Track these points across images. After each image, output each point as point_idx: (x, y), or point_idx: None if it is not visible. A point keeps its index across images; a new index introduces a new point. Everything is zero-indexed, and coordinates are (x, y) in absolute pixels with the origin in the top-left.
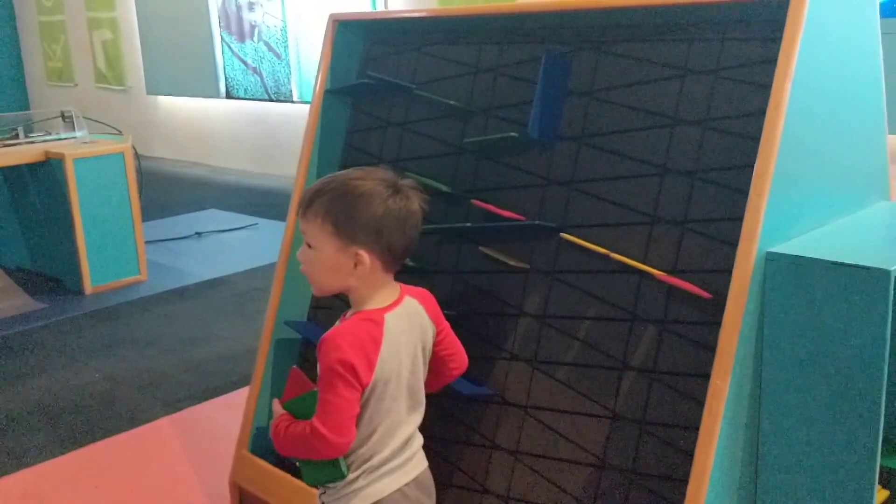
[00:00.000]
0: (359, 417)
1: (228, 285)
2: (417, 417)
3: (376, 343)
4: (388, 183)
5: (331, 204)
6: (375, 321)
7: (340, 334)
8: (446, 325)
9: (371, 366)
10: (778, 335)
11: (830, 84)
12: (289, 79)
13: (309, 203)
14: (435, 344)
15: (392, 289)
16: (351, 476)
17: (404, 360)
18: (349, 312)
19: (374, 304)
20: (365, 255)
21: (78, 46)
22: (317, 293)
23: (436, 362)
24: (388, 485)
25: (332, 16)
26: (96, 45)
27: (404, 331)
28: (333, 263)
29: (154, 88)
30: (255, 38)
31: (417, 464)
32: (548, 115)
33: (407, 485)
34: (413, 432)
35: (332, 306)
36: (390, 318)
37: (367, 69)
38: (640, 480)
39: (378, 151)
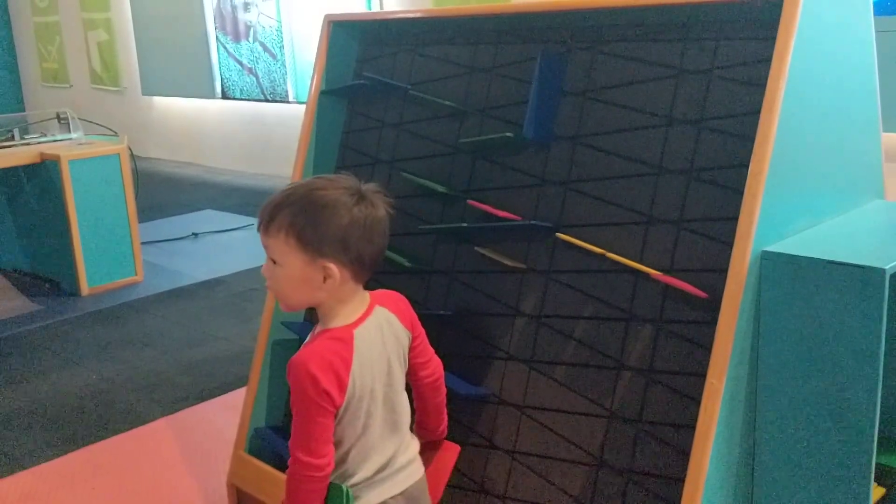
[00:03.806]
0: (334, 435)
1: (225, 286)
2: (400, 429)
3: (346, 363)
4: (352, 191)
5: (294, 217)
6: (344, 339)
7: (310, 359)
8: (422, 331)
9: (343, 387)
10: (774, 334)
11: (825, 83)
12: (284, 79)
13: (271, 217)
14: (409, 349)
15: (361, 300)
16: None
17: (377, 374)
18: (317, 328)
19: (343, 319)
20: (334, 268)
21: (73, 47)
22: (285, 309)
23: (407, 370)
24: (372, 498)
25: (327, 16)
26: (91, 45)
27: (375, 344)
28: (301, 278)
29: (149, 89)
30: (251, 39)
31: (409, 476)
32: (543, 115)
33: (393, 497)
34: (398, 445)
35: None
36: (360, 333)
37: (363, 70)
38: (638, 479)
39: (374, 152)
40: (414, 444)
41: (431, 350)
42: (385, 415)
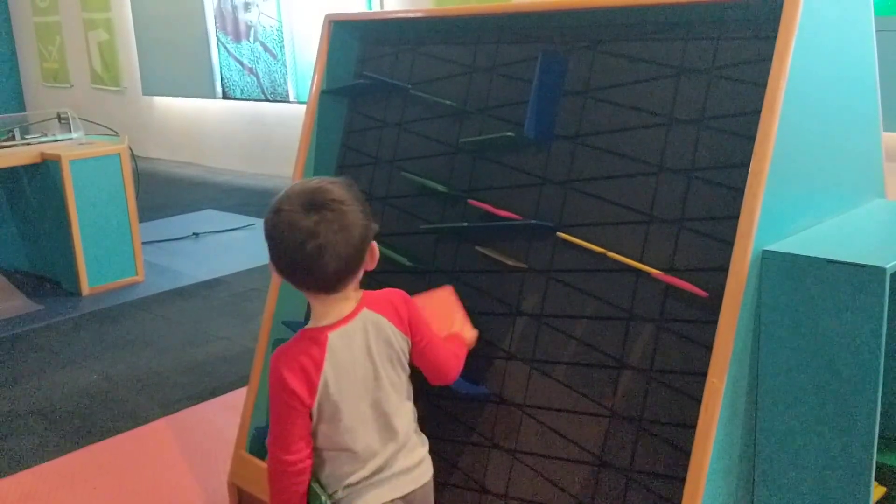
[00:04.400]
0: (317, 437)
1: (226, 286)
2: (397, 433)
3: (317, 364)
4: (297, 196)
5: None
6: (317, 341)
7: (281, 359)
8: (427, 335)
9: (313, 388)
10: (774, 333)
11: (825, 82)
12: (285, 79)
13: None
14: (410, 354)
15: (343, 304)
16: (335, 494)
17: (360, 379)
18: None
19: (322, 319)
20: (271, 269)
21: (74, 47)
22: None
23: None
24: (370, 500)
25: (327, 16)
26: (92, 45)
27: (356, 348)
28: None
29: (150, 89)
30: (251, 39)
31: (411, 480)
32: (544, 115)
33: (392, 501)
34: (396, 450)
35: None
36: (335, 338)
37: (363, 69)
38: (638, 479)
39: (374, 152)
40: (421, 449)
41: (441, 356)
42: (375, 419)
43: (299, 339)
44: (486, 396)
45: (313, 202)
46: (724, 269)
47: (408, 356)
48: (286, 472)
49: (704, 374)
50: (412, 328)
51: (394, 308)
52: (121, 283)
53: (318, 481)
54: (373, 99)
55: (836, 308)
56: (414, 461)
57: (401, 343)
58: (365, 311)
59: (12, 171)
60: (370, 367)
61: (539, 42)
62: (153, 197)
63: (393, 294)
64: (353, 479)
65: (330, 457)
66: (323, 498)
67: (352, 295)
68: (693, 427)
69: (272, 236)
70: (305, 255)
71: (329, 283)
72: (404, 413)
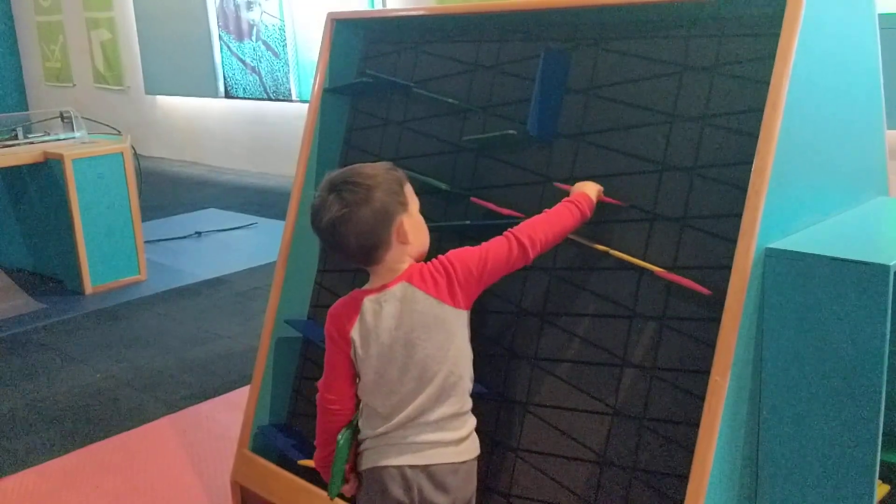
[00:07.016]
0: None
1: (228, 284)
2: (419, 402)
3: (350, 320)
4: (328, 180)
5: None
6: (355, 300)
7: (330, 308)
8: (479, 265)
9: (345, 336)
10: (778, 331)
11: (828, 79)
12: (287, 78)
13: None
14: (488, 281)
15: (387, 274)
16: (365, 441)
17: (387, 346)
18: None
19: (369, 284)
20: None
21: (76, 46)
22: None
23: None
24: (387, 459)
25: (330, 14)
26: (94, 45)
27: (384, 317)
28: None
29: (153, 88)
30: (254, 38)
31: (438, 455)
32: (546, 113)
33: (412, 467)
34: (413, 418)
35: (329, 304)
36: (367, 303)
37: (366, 68)
38: (641, 477)
39: (377, 150)
40: (464, 429)
41: (502, 253)
42: (401, 384)
43: (346, 297)
44: (489, 395)
45: (334, 183)
46: (727, 267)
47: (461, 323)
48: (324, 408)
49: (708, 372)
50: (466, 279)
51: (432, 279)
52: (123, 282)
53: (356, 424)
54: (375, 97)
55: (839, 305)
56: (448, 438)
57: (444, 313)
58: (402, 284)
59: (15, 170)
60: (400, 336)
61: (542, 40)
62: (156, 196)
63: (431, 264)
64: (377, 432)
65: (364, 405)
66: (340, 440)
67: (398, 267)
68: (696, 425)
69: (310, 219)
70: (323, 229)
71: (358, 256)
72: (438, 384)
